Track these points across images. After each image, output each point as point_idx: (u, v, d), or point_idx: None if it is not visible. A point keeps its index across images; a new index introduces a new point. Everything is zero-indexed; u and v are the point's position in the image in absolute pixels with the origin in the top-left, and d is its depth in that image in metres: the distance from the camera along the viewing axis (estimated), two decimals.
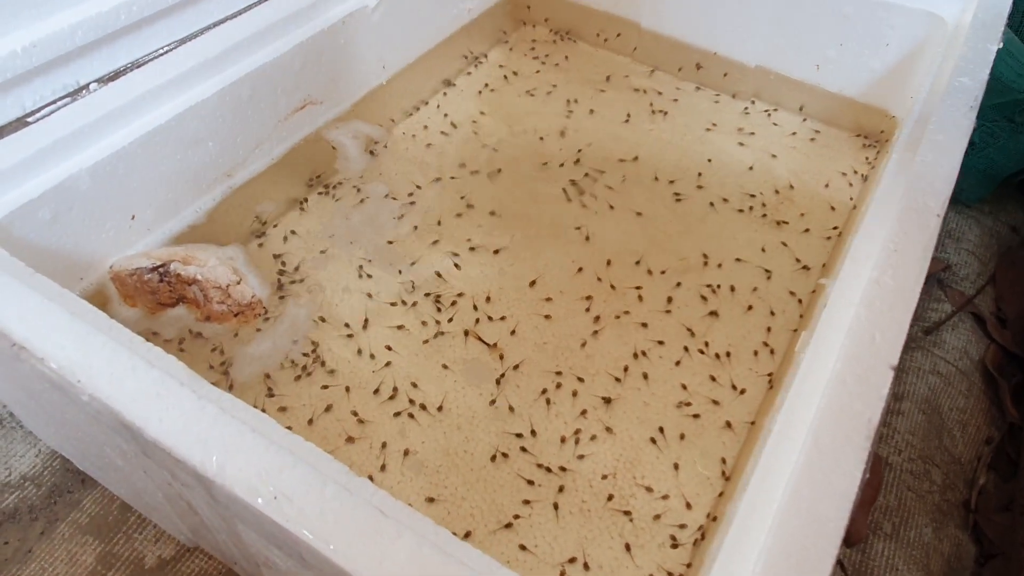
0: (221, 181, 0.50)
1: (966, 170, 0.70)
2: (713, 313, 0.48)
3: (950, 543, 0.49)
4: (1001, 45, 0.49)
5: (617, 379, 0.45)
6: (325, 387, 0.43)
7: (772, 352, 0.46)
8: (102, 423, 0.31)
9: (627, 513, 0.39)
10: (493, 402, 0.43)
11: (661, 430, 0.42)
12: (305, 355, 0.45)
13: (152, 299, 0.42)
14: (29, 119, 0.41)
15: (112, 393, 0.29)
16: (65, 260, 0.42)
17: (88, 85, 0.43)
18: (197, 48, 0.47)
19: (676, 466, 0.41)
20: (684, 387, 0.44)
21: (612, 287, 0.49)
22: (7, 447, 0.48)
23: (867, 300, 0.33)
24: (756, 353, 0.46)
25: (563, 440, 0.42)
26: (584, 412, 0.43)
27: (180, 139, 0.45)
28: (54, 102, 0.42)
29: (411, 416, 0.42)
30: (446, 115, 0.62)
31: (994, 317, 0.63)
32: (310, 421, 0.42)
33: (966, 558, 0.48)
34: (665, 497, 0.39)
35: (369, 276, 0.50)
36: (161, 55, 0.46)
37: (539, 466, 0.41)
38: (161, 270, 0.42)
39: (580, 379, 0.45)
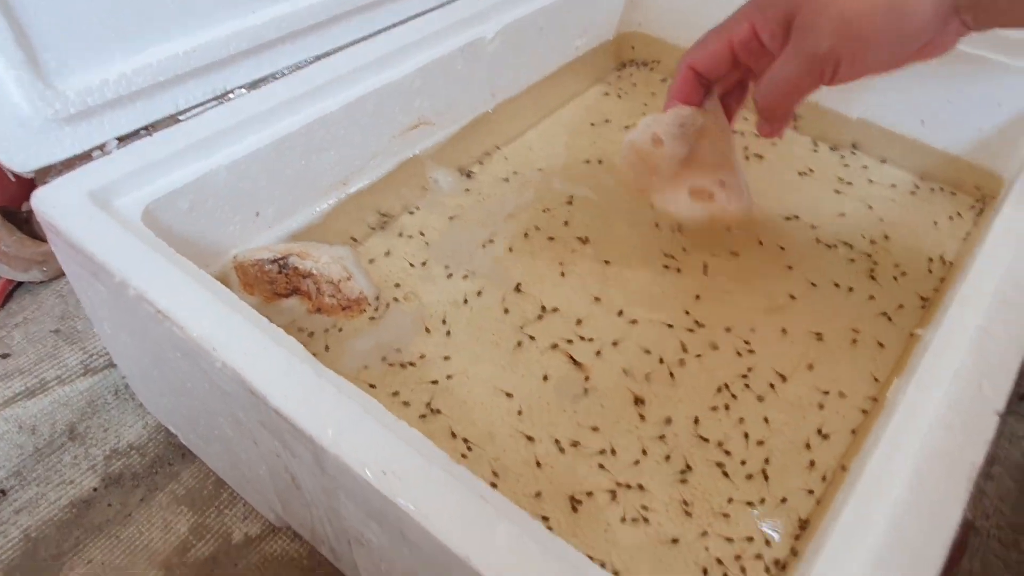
0: (337, 188, 0.53)
1: None
2: (797, 354, 0.48)
3: None
4: None
5: (704, 408, 0.45)
6: (417, 382, 0.45)
7: (869, 399, 0.46)
8: (226, 392, 0.33)
9: (705, 534, 0.39)
10: (576, 421, 0.44)
11: (743, 463, 0.42)
12: (403, 358, 0.47)
13: (270, 289, 0.45)
14: (180, 117, 0.45)
15: (243, 364, 0.31)
16: (196, 247, 0.45)
17: (233, 90, 0.47)
18: (330, 65, 0.51)
19: (762, 501, 0.41)
20: (766, 421, 0.45)
21: (698, 323, 0.50)
22: (119, 417, 0.51)
23: (974, 348, 0.33)
24: (842, 395, 0.46)
25: (636, 463, 0.42)
26: (662, 436, 0.44)
27: (307, 146, 0.49)
28: (203, 103, 0.46)
29: (495, 421, 0.44)
30: (544, 146, 0.65)
31: None
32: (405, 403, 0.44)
33: None
34: (749, 539, 0.39)
35: (466, 289, 0.52)
36: (299, 68, 0.50)
37: (618, 484, 0.41)
38: (281, 262, 0.45)
39: (663, 406, 0.45)
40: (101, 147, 0.42)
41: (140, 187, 0.42)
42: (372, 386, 0.45)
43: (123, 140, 0.43)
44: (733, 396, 0.46)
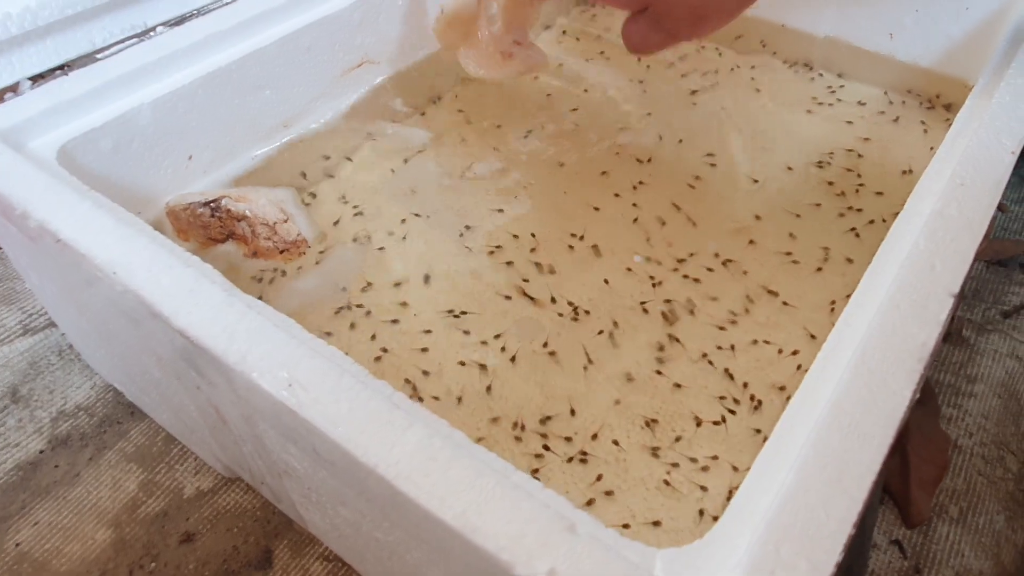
0: (278, 130, 0.51)
1: None
2: (765, 274, 0.46)
3: None
4: None
5: (663, 335, 0.43)
6: (368, 324, 0.44)
7: (831, 309, 0.44)
8: (137, 322, 0.31)
9: (674, 465, 0.37)
10: (550, 351, 0.42)
11: (714, 388, 0.41)
12: (351, 300, 0.45)
13: (203, 234, 0.44)
14: (98, 55, 0.43)
15: (145, 286, 0.29)
16: (124, 193, 0.43)
17: (155, 28, 0.45)
18: None
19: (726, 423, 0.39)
20: (731, 346, 0.43)
21: (662, 248, 0.48)
22: (65, 378, 0.50)
23: (928, 231, 0.31)
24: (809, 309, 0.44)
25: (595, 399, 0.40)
26: (628, 376, 0.42)
27: (239, 84, 0.47)
28: (122, 41, 0.43)
29: (450, 358, 0.42)
30: (496, 87, 0.62)
31: None
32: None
33: None
34: (705, 466, 0.38)
35: (420, 229, 0.50)
36: (227, 4, 0.47)
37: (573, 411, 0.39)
38: (212, 205, 0.43)
39: (625, 335, 0.43)
40: (13, 88, 0.40)
41: (56, 127, 0.40)
42: (328, 333, 0.43)
43: (36, 81, 0.41)
44: (697, 318, 0.44)
